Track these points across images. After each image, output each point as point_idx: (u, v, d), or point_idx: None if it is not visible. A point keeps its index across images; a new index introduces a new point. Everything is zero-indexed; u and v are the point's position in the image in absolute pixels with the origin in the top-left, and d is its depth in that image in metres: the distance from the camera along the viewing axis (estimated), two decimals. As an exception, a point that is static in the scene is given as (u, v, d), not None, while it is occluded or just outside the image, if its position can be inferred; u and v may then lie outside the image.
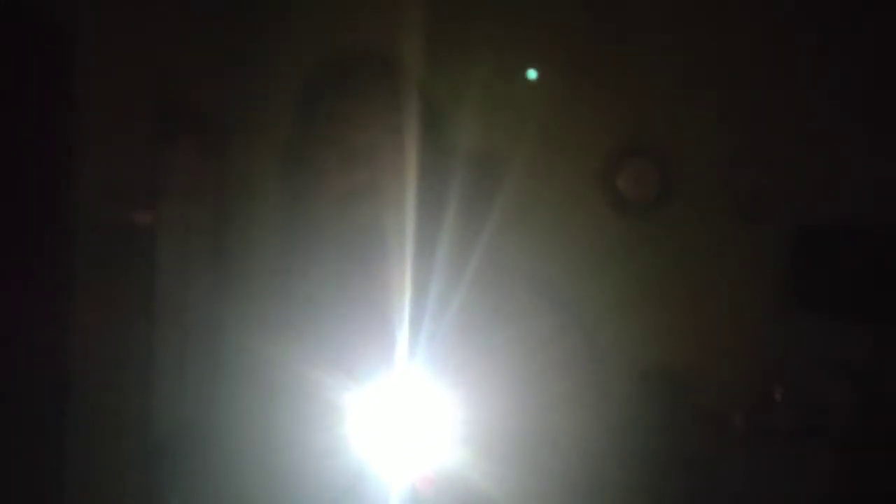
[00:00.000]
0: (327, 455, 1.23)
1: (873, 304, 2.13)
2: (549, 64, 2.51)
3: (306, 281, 1.33)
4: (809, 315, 2.24)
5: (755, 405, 2.27)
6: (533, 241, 2.25)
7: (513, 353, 1.31)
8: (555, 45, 2.51)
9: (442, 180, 1.35)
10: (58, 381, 1.32)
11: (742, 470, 2.18)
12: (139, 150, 1.66)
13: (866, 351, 2.16)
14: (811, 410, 2.20)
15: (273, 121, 1.44)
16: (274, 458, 1.24)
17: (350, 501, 1.23)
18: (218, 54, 2.21)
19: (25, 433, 1.27)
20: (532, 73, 2.44)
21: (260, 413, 1.24)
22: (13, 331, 1.21)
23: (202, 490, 1.27)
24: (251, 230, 1.89)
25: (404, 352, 1.25)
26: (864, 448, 2.11)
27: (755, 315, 2.34)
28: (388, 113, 1.34)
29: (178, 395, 1.27)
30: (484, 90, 2.30)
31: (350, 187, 1.31)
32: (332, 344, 1.26)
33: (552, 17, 2.51)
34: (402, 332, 1.25)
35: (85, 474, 1.31)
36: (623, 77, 2.50)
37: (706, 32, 2.46)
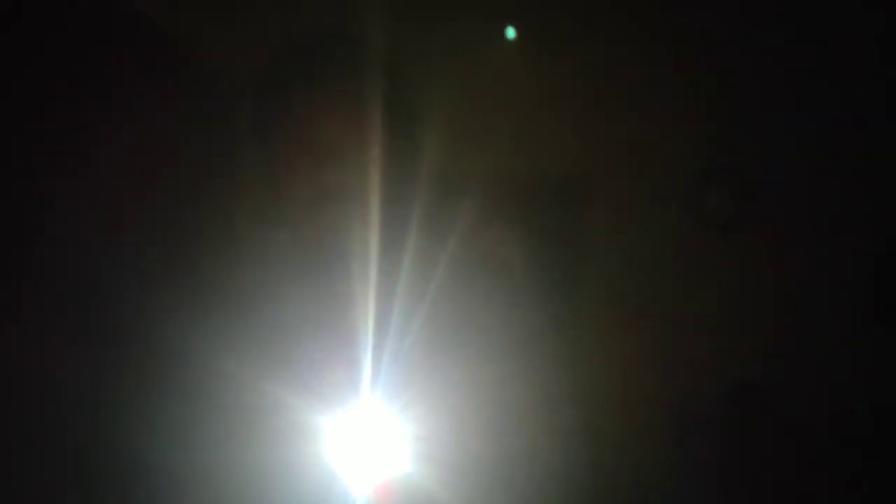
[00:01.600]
0: (292, 474, 1.23)
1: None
2: (634, 86, 2.56)
3: (273, 292, 1.29)
4: (893, 327, 2.31)
5: (841, 417, 2.30)
6: (623, 259, 2.32)
7: (481, 363, 1.27)
8: (636, 70, 2.56)
9: (411, 184, 1.27)
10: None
11: (826, 479, 2.21)
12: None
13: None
14: (889, 423, 2.22)
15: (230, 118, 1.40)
16: (239, 478, 1.25)
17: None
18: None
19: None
20: (510, 32, 2.44)
21: (224, 433, 1.25)
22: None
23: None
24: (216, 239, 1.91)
25: (370, 365, 1.24)
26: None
27: (839, 328, 2.36)
28: (355, 105, 1.23)
29: (140, 417, 1.29)
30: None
31: (319, 191, 1.22)
32: (297, 358, 1.27)
33: (636, 42, 2.57)
34: (368, 345, 1.24)
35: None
36: (707, 101, 2.53)
37: (786, 55, 2.45)
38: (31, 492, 1.20)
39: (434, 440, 1.24)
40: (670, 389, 2.44)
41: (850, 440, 2.23)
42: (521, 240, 1.37)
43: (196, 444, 1.24)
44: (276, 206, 1.28)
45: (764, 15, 2.51)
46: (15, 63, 1.22)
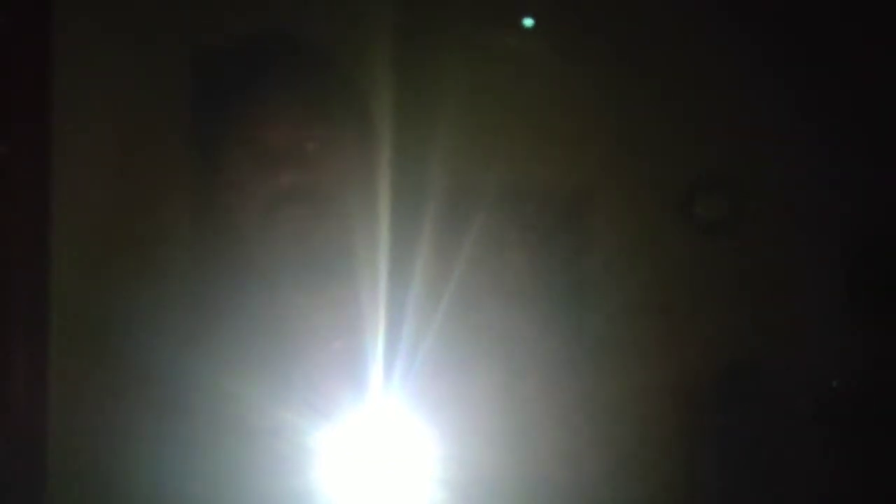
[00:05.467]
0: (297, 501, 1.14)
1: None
2: (630, 101, 2.63)
3: (248, 305, 1.19)
4: (866, 317, 2.44)
5: (821, 395, 2.47)
6: (621, 259, 2.39)
7: (501, 378, 1.19)
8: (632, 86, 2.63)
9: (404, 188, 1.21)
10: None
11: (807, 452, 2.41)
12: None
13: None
14: (867, 400, 2.46)
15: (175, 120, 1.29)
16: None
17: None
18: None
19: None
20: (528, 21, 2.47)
21: (224, 459, 1.15)
22: None
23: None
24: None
25: (375, 380, 1.15)
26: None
27: (819, 317, 2.46)
28: (317, 111, 1.17)
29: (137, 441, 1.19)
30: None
31: (273, 193, 1.13)
32: (298, 374, 1.17)
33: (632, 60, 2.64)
34: (370, 357, 1.14)
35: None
36: (697, 114, 2.57)
37: (770, 70, 2.43)
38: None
39: (450, 459, 1.15)
40: (675, 373, 2.57)
41: (830, 413, 2.45)
42: (531, 246, 1.30)
43: (196, 469, 1.14)
44: (231, 217, 1.19)
45: (749, 29, 2.59)
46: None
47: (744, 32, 2.65)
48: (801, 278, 2.66)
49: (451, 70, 1.44)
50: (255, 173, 1.15)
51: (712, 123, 2.73)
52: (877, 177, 2.63)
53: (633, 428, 2.43)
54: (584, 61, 2.68)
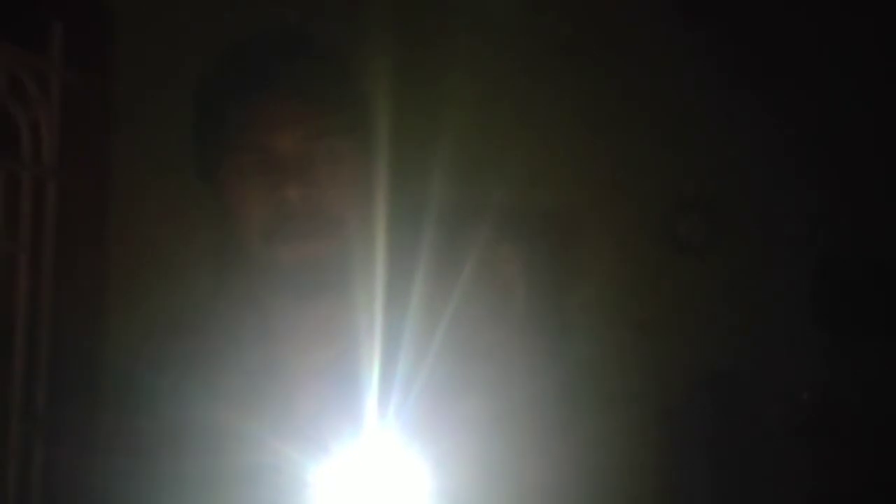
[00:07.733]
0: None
1: (882, 323, 2.77)
2: (614, 126, 2.85)
3: (243, 326, 1.13)
4: (832, 332, 2.81)
5: (788, 406, 2.79)
6: (605, 280, 2.81)
7: (502, 405, 1.14)
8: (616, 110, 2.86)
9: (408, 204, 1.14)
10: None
11: (773, 460, 2.74)
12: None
13: (878, 363, 2.73)
14: (830, 411, 2.75)
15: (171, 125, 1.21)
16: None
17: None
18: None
19: None
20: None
21: (219, 495, 1.09)
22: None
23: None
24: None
25: (372, 413, 1.10)
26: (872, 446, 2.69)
27: (791, 332, 2.81)
28: (327, 115, 1.06)
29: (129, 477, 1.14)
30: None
31: (276, 205, 1.04)
32: (292, 406, 1.12)
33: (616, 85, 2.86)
34: (367, 388, 1.09)
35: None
36: (679, 140, 2.90)
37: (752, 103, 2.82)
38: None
39: (450, 483, 1.10)
40: (654, 386, 2.77)
41: (800, 423, 2.75)
42: (521, 261, 1.26)
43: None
44: (230, 229, 1.11)
45: (727, 55, 2.77)
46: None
47: (724, 63, 2.72)
48: (773, 296, 2.82)
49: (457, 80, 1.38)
50: (259, 185, 1.06)
51: (692, 151, 2.82)
52: (845, 202, 2.78)
53: (614, 441, 2.47)
54: (572, 88, 2.73)
